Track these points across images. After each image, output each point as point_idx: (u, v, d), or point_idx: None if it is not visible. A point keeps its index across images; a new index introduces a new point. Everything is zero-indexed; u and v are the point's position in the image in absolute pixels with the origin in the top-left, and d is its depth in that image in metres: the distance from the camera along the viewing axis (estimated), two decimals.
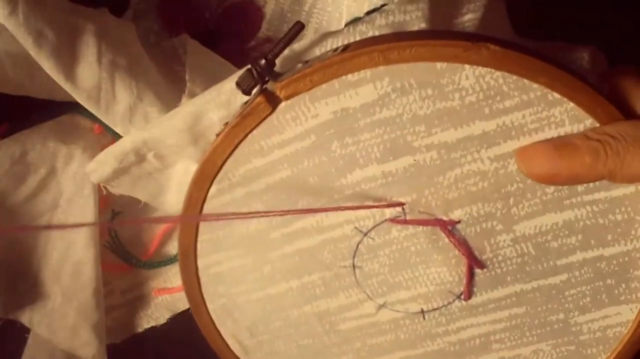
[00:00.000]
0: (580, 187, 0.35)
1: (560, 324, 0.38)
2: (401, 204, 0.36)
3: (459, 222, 0.36)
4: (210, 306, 0.41)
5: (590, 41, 0.37)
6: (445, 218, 0.36)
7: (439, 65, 0.33)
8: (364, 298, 0.39)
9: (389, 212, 0.37)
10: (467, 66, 0.33)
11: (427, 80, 0.33)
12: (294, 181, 0.37)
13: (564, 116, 0.33)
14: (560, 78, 0.33)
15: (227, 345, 0.42)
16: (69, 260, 0.43)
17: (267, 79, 0.35)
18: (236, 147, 0.36)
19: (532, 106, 0.33)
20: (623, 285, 0.37)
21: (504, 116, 0.34)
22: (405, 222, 0.37)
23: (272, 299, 0.40)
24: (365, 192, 0.36)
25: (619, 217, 0.35)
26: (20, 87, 0.40)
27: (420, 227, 0.37)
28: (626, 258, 0.36)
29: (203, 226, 0.39)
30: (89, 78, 0.38)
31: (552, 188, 0.35)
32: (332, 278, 0.39)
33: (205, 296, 0.41)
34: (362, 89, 0.34)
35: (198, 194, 0.38)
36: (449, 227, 0.36)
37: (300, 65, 0.35)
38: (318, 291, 0.40)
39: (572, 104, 0.33)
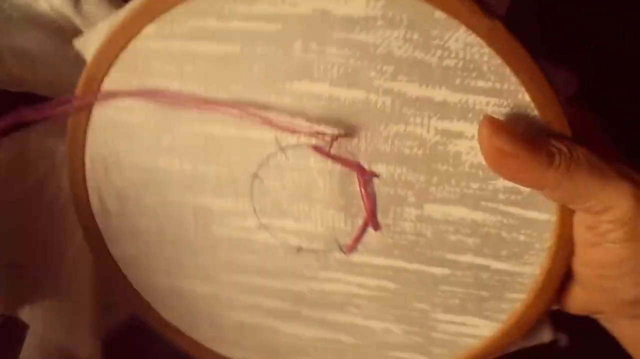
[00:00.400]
0: (502, 195, 0.34)
1: (420, 314, 0.38)
2: (333, 137, 0.34)
3: (377, 176, 0.35)
4: (88, 150, 0.37)
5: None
6: (366, 167, 0.35)
7: (437, 14, 0.31)
8: (250, 212, 0.37)
9: (316, 138, 0.35)
10: (462, 29, 0.31)
11: (419, 23, 0.31)
12: (237, 61, 0.34)
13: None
14: (540, 84, 0.32)
15: (87, 199, 0.39)
16: (67, 258, 0.42)
17: None
18: None
19: (500, 96, 0.32)
20: (493, 302, 0.37)
21: (471, 94, 0.32)
22: (327, 155, 0.35)
23: (157, 172, 0.37)
24: (304, 106, 0.34)
25: (522, 238, 0.35)
26: (22, 83, 0.39)
27: (339, 166, 0.35)
28: (508, 278, 0.36)
29: (119, 65, 0.35)
30: None
31: (477, 184, 0.34)
32: (228, 179, 0.37)
33: (88, 135, 0.37)
34: (353, 1, 0.31)
35: (133, 25, 0.34)
36: (366, 177, 0.35)
37: None
38: (208, 185, 0.37)
39: (536, 112, 0.32)
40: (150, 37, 0.34)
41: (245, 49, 0.33)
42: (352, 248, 0.37)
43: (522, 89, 0.32)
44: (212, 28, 0.33)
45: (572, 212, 0.34)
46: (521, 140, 0.31)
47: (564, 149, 0.31)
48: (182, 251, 0.39)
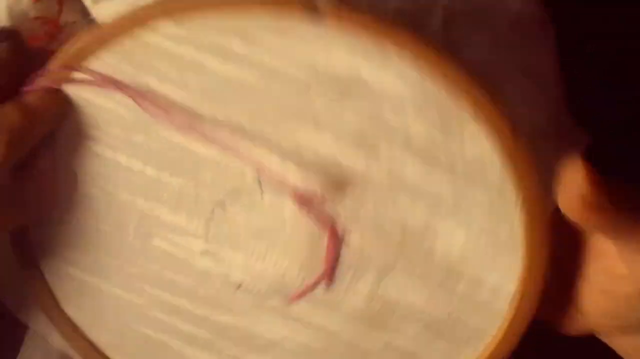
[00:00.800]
0: (461, 287, 0.34)
1: None
2: (317, 196, 0.33)
3: (348, 244, 0.34)
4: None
5: None
6: (341, 230, 0.34)
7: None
8: (200, 235, 0.35)
9: (301, 189, 0.33)
10: None
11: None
12: (248, 91, 0.32)
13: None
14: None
15: None
16: None
17: None
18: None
19: (492, 212, 0.32)
20: None
21: (467, 199, 0.32)
22: (306, 209, 0.33)
23: (114, 167, 0.34)
24: (301, 153, 0.32)
25: (474, 324, 0.35)
26: None
27: (315, 227, 0.33)
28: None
29: (117, 50, 0.32)
30: None
31: (440, 275, 0.34)
32: (190, 196, 0.34)
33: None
34: (391, 78, 0.30)
35: (153, 17, 0.31)
36: (336, 243, 0.34)
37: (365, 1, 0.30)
38: (166, 196, 0.34)
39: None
40: (165, 36, 0.31)
41: (262, 82, 0.31)
42: (295, 300, 0.35)
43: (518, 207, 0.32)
44: (235, 51, 0.31)
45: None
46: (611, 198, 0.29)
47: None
48: (110, 251, 0.36)
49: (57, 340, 0.42)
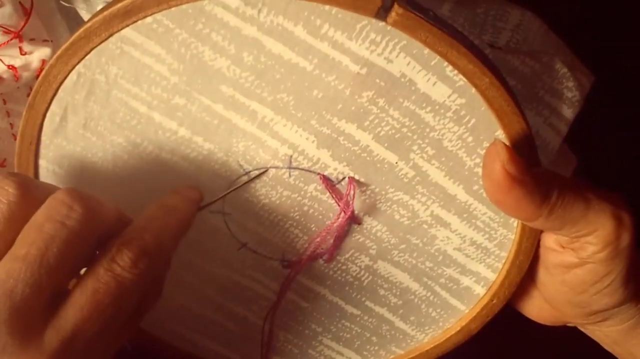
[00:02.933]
0: (443, 280, 0.38)
1: (311, 333, 0.41)
2: (354, 181, 0.35)
3: (360, 223, 0.36)
4: (83, 65, 0.33)
5: None
6: (356, 214, 0.36)
7: (499, 132, 0.33)
8: (219, 195, 0.36)
9: (328, 172, 0.35)
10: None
11: (479, 132, 0.33)
12: (302, 76, 0.32)
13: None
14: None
15: (45, 110, 0.34)
16: None
17: None
18: None
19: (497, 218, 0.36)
20: (377, 347, 0.41)
21: (480, 204, 0.36)
22: (330, 189, 0.35)
23: (147, 122, 0.34)
24: (337, 144, 0.34)
25: (433, 314, 0.39)
26: None
27: (332, 201, 0.36)
28: (401, 336, 0.40)
29: (175, 12, 0.31)
30: None
31: (431, 264, 0.38)
32: (218, 162, 0.35)
33: (93, 53, 0.32)
34: (441, 86, 0.32)
35: None
36: (351, 222, 0.36)
37: (432, 14, 0.31)
38: (193, 155, 0.35)
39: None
40: (227, 9, 0.31)
41: (317, 71, 0.32)
42: (292, 265, 0.38)
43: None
44: (297, 37, 0.31)
45: (487, 312, 0.38)
46: (530, 170, 0.32)
47: (557, 179, 0.33)
48: (124, 191, 0.36)
49: None
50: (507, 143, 0.33)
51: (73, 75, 0.33)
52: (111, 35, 0.32)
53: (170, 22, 0.31)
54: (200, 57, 0.32)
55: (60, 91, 0.33)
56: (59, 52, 0.32)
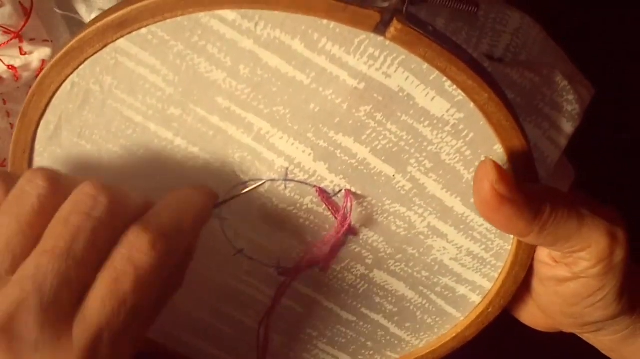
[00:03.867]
0: (439, 289, 0.38)
1: (306, 337, 0.41)
2: (348, 193, 0.34)
3: (356, 234, 0.36)
4: (78, 74, 0.32)
5: None
6: (353, 225, 0.36)
7: (497, 146, 0.33)
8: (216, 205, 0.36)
9: (325, 185, 0.35)
10: (508, 167, 0.34)
11: (478, 146, 0.33)
12: (299, 90, 0.32)
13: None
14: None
15: (40, 117, 0.34)
16: None
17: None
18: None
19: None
20: (372, 352, 0.41)
21: (476, 216, 0.35)
22: (326, 202, 0.35)
23: (142, 131, 0.34)
24: (334, 156, 0.34)
25: (429, 321, 0.40)
26: None
27: (328, 214, 0.35)
28: (396, 342, 0.41)
29: (172, 24, 0.31)
30: None
31: (427, 274, 0.38)
32: (214, 172, 0.35)
33: (88, 62, 0.32)
34: (440, 101, 0.32)
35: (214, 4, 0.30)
36: (348, 233, 0.36)
37: (430, 28, 0.31)
38: (190, 164, 0.35)
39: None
40: (224, 22, 0.30)
41: (314, 84, 0.32)
42: (286, 272, 0.38)
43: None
44: (295, 50, 0.31)
45: (482, 320, 0.39)
46: (519, 188, 0.32)
47: (550, 195, 0.33)
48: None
49: None
50: (505, 157, 0.33)
51: (67, 85, 0.33)
52: (105, 45, 0.31)
53: (165, 33, 0.31)
54: (196, 69, 0.32)
55: (54, 99, 0.33)
56: (52, 61, 0.32)
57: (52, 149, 0.35)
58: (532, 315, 0.40)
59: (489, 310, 0.38)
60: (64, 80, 0.32)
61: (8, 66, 0.36)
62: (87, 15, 0.35)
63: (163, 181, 0.35)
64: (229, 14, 0.30)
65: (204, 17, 0.30)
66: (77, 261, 0.28)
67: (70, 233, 0.28)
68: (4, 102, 0.39)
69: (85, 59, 0.32)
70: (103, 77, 0.32)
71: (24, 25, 0.35)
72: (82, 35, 0.31)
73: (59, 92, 0.33)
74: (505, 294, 0.38)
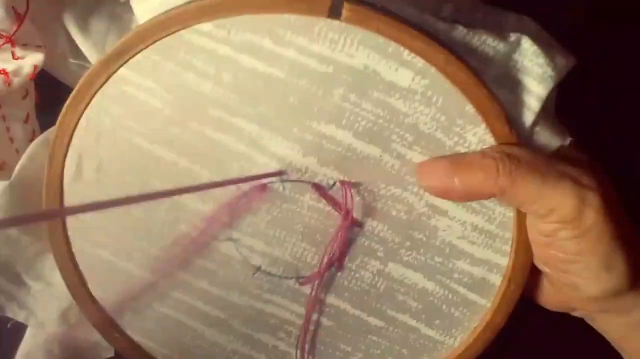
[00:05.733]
0: (456, 275, 0.39)
1: (342, 355, 0.41)
2: (347, 184, 0.37)
3: (360, 226, 0.38)
4: (90, 111, 0.37)
5: None
6: (355, 216, 0.38)
7: (468, 107, 0.35)
8: (225, 223, 0.38)
9: (319, 179, 0.37)
10: (483, 126, 0.35)
11: (450, 110, 0.35)
12: (277, 86, 0.35)
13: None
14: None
15: (64, 157, 0.38)
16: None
17: None
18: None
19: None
20: None
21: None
22: (324, 196, 0.37)
23: (150, 157, 0.37)
24: (321, 147, 0.36)
25: (456, 314, 0.39)
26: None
27: (329, 208, 0.37)
28: (430, 344, 0.40)
29: (158, 46, 0.36)
30: None
31: (441, 259, 0.38)
32: (218, 189, 0.38)
33: (96, 97, 0.36)
34: (403, 71, 0.34)
35: (191, 18, 0.35)
36: (351, 225, 0.38)
37: (379, 6, 0.34)
38: (196, 184, 0.38)
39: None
40: (202, 34, 0.35)
41: (289, 77, 0.35)
42: (309, 281, 0.39)
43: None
44: (266, 48, 0.35)
45: (508, 301, 0.38)
46: (452, 171, 0.34)
47: (501, 155, 0.34)
48: (139, 234, 0.39)
49: (57, 330, 0.44)
50: (479, 117, 0.35)
51: (83, 121, 0.37)
52: (110, 77, 0.36)
53: (156, 55, 0.36)
54: (185, 84, 0.36)
55: (74, 138, 0.37)
56: (68, 100, 0.37)
57: (77, 187, 0.39)
58: (544, 292, 0.39)
59: (511, 288, 0.38)
60: (80, 116, 0.37)
61: (0, 70, 0.38)
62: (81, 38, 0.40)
63: (174, 206, 0.38)
64: (205, 26, 0.35)
65: (185, 33, 0.35)
66: None
67: None
68: None
69: (95, 93, 0.37)
70: (111, 107, 0.37)
71: (16, 30, 0.36)
72: (90, 70, 0.36)
73: (77, 130, 0.37)
74: (522, 267, 0.38)
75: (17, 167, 0.40)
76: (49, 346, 0.44)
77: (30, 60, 0.38)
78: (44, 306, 0.43)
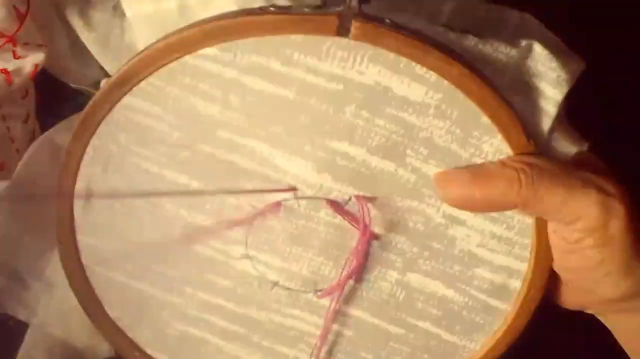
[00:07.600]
0: (476, 282, 0.38)
1: None
2: (363, 199, 0.36)
3: (379, 239, 0.37)
4: (95, 140, 0.36)
5: None
6: (372, 230, 0.37)
7: (484, 119, 0.35)
8: (240, 241, 0.38)
9: (334, 195, 0.36)
10: (500, 137, 0.35)
11: (465, 122, 0.35)
12: (287, 106, 0.35)
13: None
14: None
15: (72, 185, 0.37)
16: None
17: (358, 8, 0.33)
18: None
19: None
20: None
21: None
22: (341, 212, 0.37)
23: (161, 181, 0.37)
24: (335, 164, 0.36)
25: (477, 319, 0.39)
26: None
27: (345, 223, 0.37)
28: (452, 350, 0.40)
29: (165, 72, 0.35)
30: None
31: (460, 267, 0.38)
32: (232, 206, 0.37)
33: (102, 125, 0.36)
34: (416, 86, 0.34)
35: (194, 43, 0.34)
36: (368, 239, 0.37)
37: (388, 21, 0.33)
38: (208, 206, 0.37)
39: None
40: (207, 59, 0.34)
41: (299, 97, 0.34)
42: (328, 294, 0.39)
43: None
44: (274, 70, 0.34)
45: (528, 305, 0.38)
46: (471, 183, 0.34)
47: (521, 165, 0.34)
48: (154, 256, 0.39)
49: (58, 330, 0.44)
50: (495, 128, 0.34)
51: (90, 150, 0.36)
52: (114, 105, 0.35)
53: (161, 82, 0.35)
54: (193, 108, 0.35)
55: (81, 167, 0.37)
56: (74, 130, 0.36)
57: (87, 217, 0.38)
58: (560, 292, 0.39)
59: (532, 293, 0.38)
60: (87, 145, 0.36)
61: (1, 70, 0.37)
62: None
63: (187, 228, 0.38)
64: (210, 51, 0.34)
65: (190, 59, 0.34)
66: None
67: None
68: None
69: (100, 122, 0.36)
70: (118, 135, 0.36)
71: (18, 29, 0.36)
72: (93, 99, 0.35)
73: (84, 160, 0.37)
74: (542, 272, 0.37)
75: (17, 167, 0.40)
76: (50, 346, 0.44)
77: (32, 60, 0.37)
78: (45, 306, 0.43)
